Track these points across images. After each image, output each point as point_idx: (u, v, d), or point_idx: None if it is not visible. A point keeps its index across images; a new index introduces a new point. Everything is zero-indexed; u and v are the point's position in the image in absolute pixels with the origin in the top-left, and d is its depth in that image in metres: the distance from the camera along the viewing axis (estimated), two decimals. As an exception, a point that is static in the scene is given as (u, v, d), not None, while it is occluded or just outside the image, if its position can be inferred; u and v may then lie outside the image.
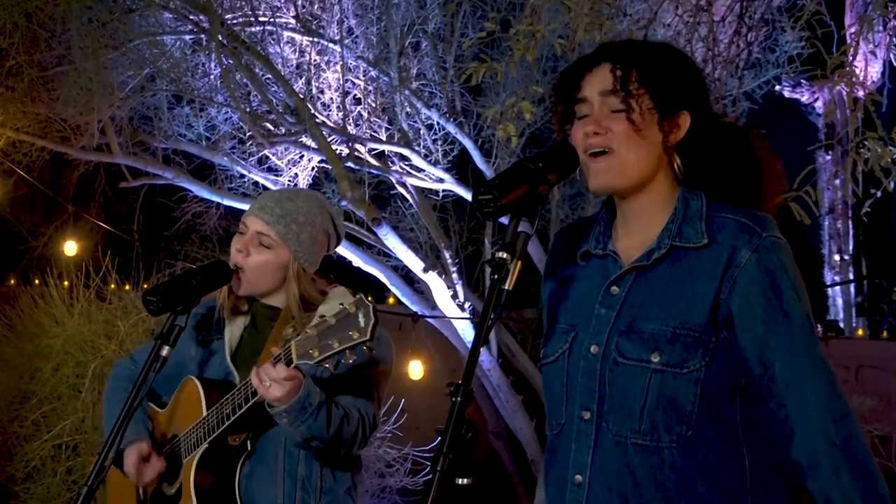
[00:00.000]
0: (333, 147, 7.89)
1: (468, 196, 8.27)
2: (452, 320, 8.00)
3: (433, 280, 7.91)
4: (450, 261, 8.12)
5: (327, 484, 2.94)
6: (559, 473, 2.19)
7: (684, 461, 2.06)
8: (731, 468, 2.08)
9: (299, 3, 8.12)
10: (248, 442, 2.88)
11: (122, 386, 3.19)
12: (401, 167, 8.42)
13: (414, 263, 7.90)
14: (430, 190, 8.57)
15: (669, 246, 2.14)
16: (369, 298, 2.59)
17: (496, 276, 1.97)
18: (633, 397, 2.06)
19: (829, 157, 10.78)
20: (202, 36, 7.96)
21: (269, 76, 8.02)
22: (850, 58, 4.76)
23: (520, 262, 1.98)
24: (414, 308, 8.11)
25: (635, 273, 2.17)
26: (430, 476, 1.84)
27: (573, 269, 2.30)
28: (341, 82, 8.13)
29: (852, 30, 5.01)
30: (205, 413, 2.89)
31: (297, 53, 8.39)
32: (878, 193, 5.00)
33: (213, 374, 3.03)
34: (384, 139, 8.30)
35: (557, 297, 2.32)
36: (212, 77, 8.28)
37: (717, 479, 2.07)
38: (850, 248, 11.84)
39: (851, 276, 11.73)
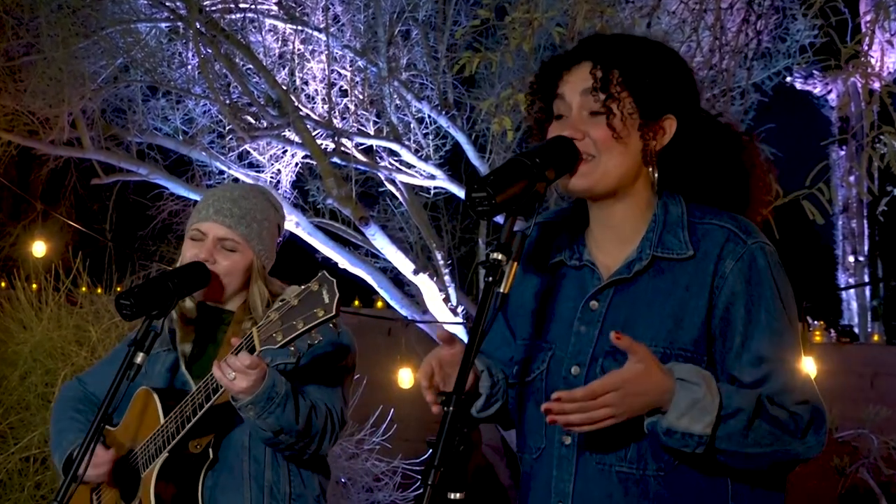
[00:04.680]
0: (318, 142, 7.89)
1: (461, 194, 8.28)
2: (445, 325, 8.00)
3: (424, 283, 7.91)
4: (442, 262, 8.12)
5: (296, 490, 2.96)
6: (539, 502, 2.19)
7: (671, 491, 2.07)
8: (716, 496, 2.09)
9: (282, -12, 8.13)
10: (210, 450, 2.88)
11: (72, 406, 3.20)
12: (390, 163, 8.42)
13: (404, 265, 7.90)
14: (421, 187, 8.57)
15: (651, 257, 2.13)
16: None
17: (491, 279, 1.95)
18: (620, 422, 2.02)
19: (842, 153, 10.83)
20: (179, 24, 7.95)
21: (250, 66, 8.01)
22: (866, 47, 4.78)
23: (516, 264, 1.97)
24: (404, 312, 8.11)
25: (615, 287, 2.15)
26: (421, 490, 1.84)
27: (546, 278, 2.28)
28: (327, 73, 8.13)
29: (868, 18, 5.03)
30: (163, 421, 2.89)
31: (279, 42, 8.39)
32: (895, 191, 5.02)
33: (164, 385, 3.04)
34: (372, 133, 8.30)
35: (529, 309, 2.29)
36: (189, 67, 8.27)
37: None
38: (866, 248, 11.89)
39: (867, 279, 11.77)
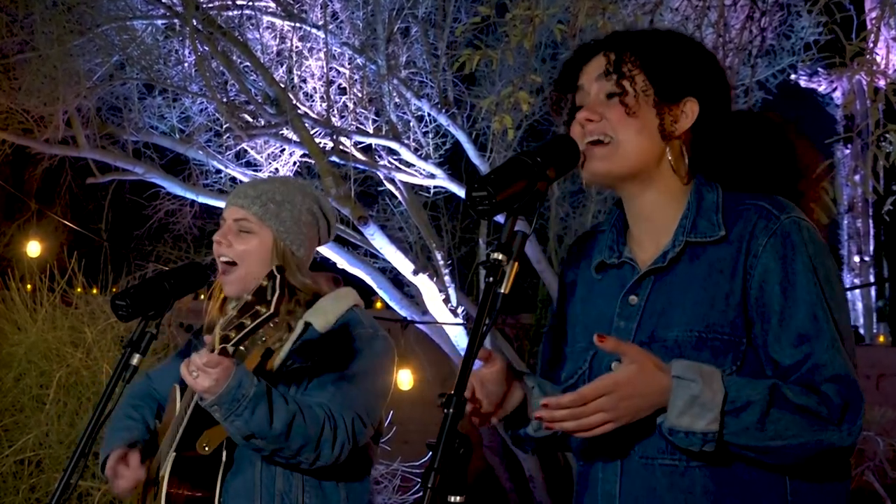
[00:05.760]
0: (317, 140, 7.89)
1: (461, 193, 8.28)
2: (444, 326, 8.01)
3: (424, 283, 7.92)
4: (441, 262, 8.12)
5: (312, 500, 2.86)
6: None
7: (717, 483, 2.03)
8: (770, 489, 2.04)
9: (280, -15, 8.13)
10: (224, 452, 2.83)
11: (131, 403, 3.15)
12: (389, 162, 8.42)
13: (403, 265, 7.90)
14: (421, 186, 8.57)
15: (684, 243, 2.11)
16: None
17: (491, 279, 1.94)
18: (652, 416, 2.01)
19: (847, 151, 10.83)
20: (175, 21, 7.95)
21: (248, 64, 8.02)
22: (871, 44, 4.77)
23: (517, 264, 1.96)
24: (403, 313, 8.11)
25: (654, 278, 2.14)
26: (421, 494, 1.84)
27: (589, 282, 2.28)
28: (325, 70, 8.13)
29: (873, 14, 5.03)
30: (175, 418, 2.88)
31: (277, 39, 8.39)
32: (901, 190, 5.01)
33: None
34: (371, 132, 8.30)
35: (573, 313, 2.30)
36: (186, 65, 8.27)
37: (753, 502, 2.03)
38: (871, 248, 11.89)
39: (872, 279, 11.77)
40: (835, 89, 11.39)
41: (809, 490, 2.05)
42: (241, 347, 2.59)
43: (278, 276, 2.49)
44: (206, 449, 2.81)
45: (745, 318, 2.05)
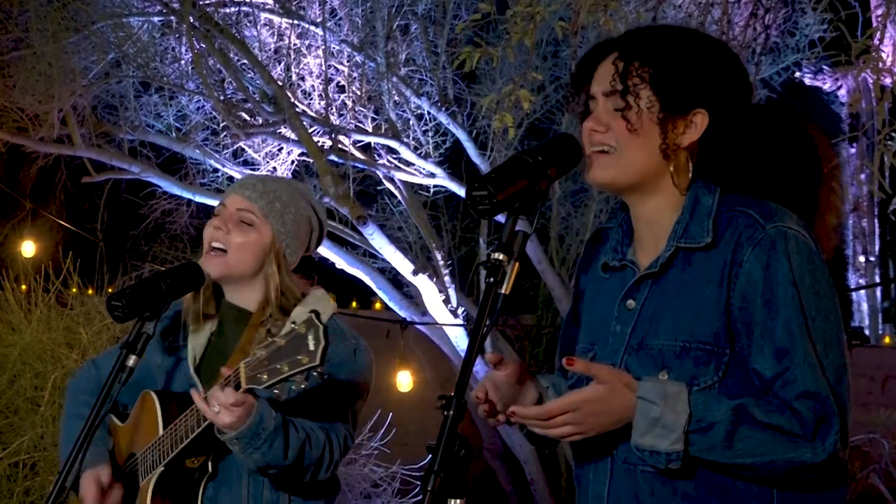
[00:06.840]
0: (315, 139, 7.89)
1: (461, 192, 8.27)
2: (444, 327, 8.00)
3: (423, 283, 7.91)
4: (441, 262, 8.12)
5: None
6: None
7: (700, 491, 2.05)
8: (755, 498, 2.05)
9: (278, -19, 8.13)
10: (210, 464, 2.85)
11: (84, 399, 3.12)
12: (388, 161, 8.41)
13: (402, 265, 7.90)
14: (421, 185, 8.57)
15: (675, 248, 2.12)
16: (336, 308, 2.54)
17: (492, 279, 1.95)
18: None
19: (853, 150, 10.81)
20: (172, 18, 7.95)
21: (245, 61, 8.01)
22: (877, 42, 4.77)
23: (517, 264, 1.97)
24: (402, 314, 8.10)
25: (650, 283, 2.15)
26: (420, 497, 1.84)
27: (597, 281, 2.30)
28: (324, 68, 8.13)
29: (879, 12, 5.03)
30: (161, 432, 2.86)
31: (275, 37, 8.39)
32: (907, 189, 5.01)
33: (178, 385, 2.99)
34: (370, 130, 8.30)
35: (580, 314, 2.33)
36: (182, 62, 8.27)
37: None
38: (877, 248, 11.86)
39: (878, 279, 11.76)
40: (840, 87, 11.37)
41: (802, 500, 2.07)
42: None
43: (321, 327, 2.48)
44: (195, 463, 2.83)
45: (729, 328, 2.06)
